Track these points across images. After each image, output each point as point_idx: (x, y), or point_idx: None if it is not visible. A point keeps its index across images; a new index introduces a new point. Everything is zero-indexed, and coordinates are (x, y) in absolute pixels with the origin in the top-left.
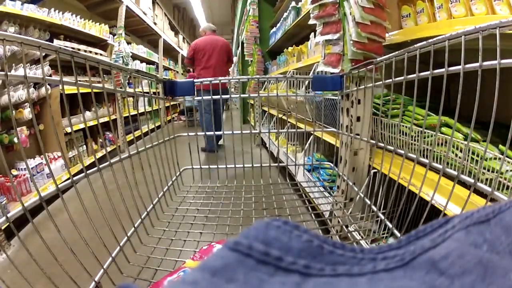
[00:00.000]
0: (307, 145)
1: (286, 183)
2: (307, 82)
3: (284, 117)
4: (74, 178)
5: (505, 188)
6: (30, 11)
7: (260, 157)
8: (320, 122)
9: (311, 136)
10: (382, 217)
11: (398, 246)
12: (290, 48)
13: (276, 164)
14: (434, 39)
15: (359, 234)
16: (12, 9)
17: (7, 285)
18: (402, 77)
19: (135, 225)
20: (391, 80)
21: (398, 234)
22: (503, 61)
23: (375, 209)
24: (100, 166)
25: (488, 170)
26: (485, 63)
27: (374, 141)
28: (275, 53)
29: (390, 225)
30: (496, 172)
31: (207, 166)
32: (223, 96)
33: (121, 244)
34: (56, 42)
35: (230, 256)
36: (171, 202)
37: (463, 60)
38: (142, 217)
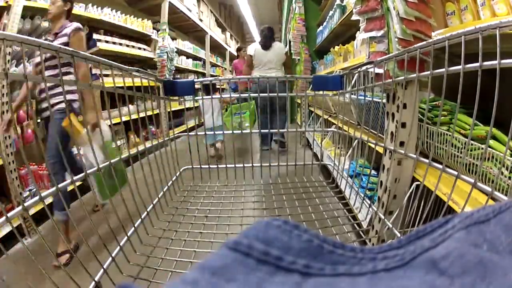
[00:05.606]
0: (351, 149)
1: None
2: (353, 81)
3: (330, 119)
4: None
5: None
6: None
7: (259, 157)
8: (365, 126)
9: (356, 141)
10: None
11: (398, 245)
12: (336, 48)
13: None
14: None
15: None
16: (44, 4)
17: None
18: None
19: (135, 225)
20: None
21: None
22: (503, 61)
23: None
24: (100, 166)
25: None
26: (485, 63)
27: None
28: (322, 52)
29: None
30: None
31: (207, 166)
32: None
33: (121, 244)
34: (96, 37)
35: (230, 256)
36: (171, 202)
37: (463, 60)
38: (142, 216)
